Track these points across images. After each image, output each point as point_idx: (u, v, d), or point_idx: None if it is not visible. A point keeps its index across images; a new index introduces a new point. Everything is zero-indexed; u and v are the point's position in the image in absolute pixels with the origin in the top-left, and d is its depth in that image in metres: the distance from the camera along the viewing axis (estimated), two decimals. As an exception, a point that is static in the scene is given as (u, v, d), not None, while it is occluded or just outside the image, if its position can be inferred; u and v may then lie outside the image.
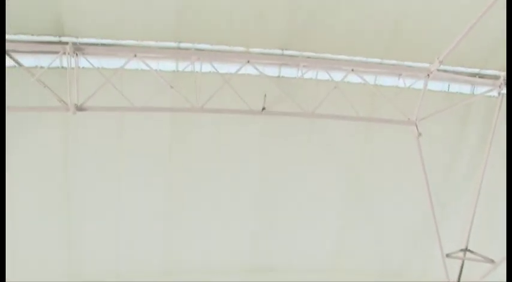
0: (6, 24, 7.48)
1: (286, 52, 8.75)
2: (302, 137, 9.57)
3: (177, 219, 9.85)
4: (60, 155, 8.85)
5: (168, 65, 8.53)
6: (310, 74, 8.85)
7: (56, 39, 7.87)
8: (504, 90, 9.18)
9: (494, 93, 9.38)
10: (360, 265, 10.88)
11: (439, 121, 9.34)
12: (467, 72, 9.39)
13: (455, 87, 9.55)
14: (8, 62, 7.68)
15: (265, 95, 8.66)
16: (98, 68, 8.04)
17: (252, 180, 9.85)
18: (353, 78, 8.92)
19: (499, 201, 10.07)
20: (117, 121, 8.80)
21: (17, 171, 8.60)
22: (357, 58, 8.96)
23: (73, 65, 7.73)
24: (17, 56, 7.65)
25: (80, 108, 7.85)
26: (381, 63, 9.10)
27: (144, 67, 8.18)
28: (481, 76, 9.40)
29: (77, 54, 7.73)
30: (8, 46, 7.53)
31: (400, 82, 9.19)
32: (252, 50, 8.63)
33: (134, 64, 8.20)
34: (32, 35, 7.73)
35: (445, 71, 9.06)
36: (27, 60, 7.81)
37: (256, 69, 8.53)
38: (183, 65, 8.46)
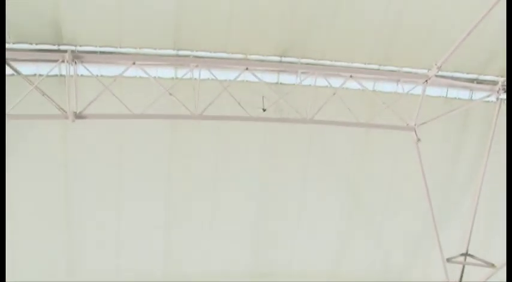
0: (6, 34, 7.54)
1: (284, 59, 8.78)
2: (302, 144, 9.58)
3: (177, 223, 9.84)
4: (61, 159, 8.84)
5: (167, 72, 8.56)
6: (308, 81, 8.86)
7: (55, 47, 7.90)
8: (502, 96, 9.20)
9: (493, 98, 9.41)
10: (361, 271, 10.87)
11: (438, 126, 9.36)
12: (466, 78, 9.42)
13: (453, 93, 9.58)
14: (7, 70, 7.69)
15: (263, 97, 8.69)
16: (97, 75, 8.06)
17: (252, 187, 9.85)
18: (352, 84, 8.95)
19: (499, 205, 10.08)
20: (116, 128, 8.80)
21: (18, 172, 8.59)
22: (356, 64, 9.00)
23: (72, 73, 7.74)
24: (16, 65, 7.67)
25: (78, 116, 7.85)
26: (379, 70, 9.13)
27: (143, 74, 8.20)
28: (479, 82, 9.43)
29: (75, 62, 7.75)
30: (8, 55, 7.55)
31: (399, 88, 9.21)
32: (250, 57, 8.66)
33: (133, 72, 8.23)
34: (31, 43, 7.75)
35: (443, 76, 9.08)
36: (26, 69, 7.83)
37: (255, 76, 8.55)
38: (181, 72, 8.47)
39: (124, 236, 9.69)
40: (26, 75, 7.75)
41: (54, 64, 7.73)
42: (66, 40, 7.87)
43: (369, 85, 9.16)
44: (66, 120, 7.85)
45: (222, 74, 8.54)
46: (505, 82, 8.95)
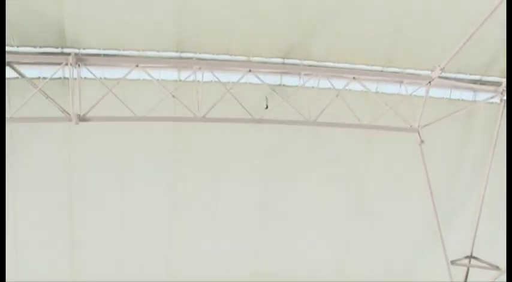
0: (10, 37, 7.58)
1: (287, 61, 8.78)
2: (305, 145, 9.56)
3: (179, 224, 9.83)
4: (65, 159, 8.85)
5: (170, 75, 8.56)
6: (311, 83, 8.86)
7: (59, 50, 7.93)
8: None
9: (496, 99, 9.38)
10: (364, 273, 10.82)
11: (441, 128, 9.34)
12: (469, 79, 9.39)
13: (457, 94, 9.54)
14: (11, 73, 7.73)
15: (267, 97, 8.71)
16: (100, 78, 8.08)
17: (255, 189, 9.83)
18: (355, 86, 8.94)
19: (504, 206, 10.02)
20: (119, 130, 8.82)
21: (21, 172, 8.61)
22: (359, 66, 8.98)
23: (75, 76, 7.78)
24: (20, 68, 7.70)
25: (82, 119, 7.88)
26: (382, 71, 9.11)
27: (146, 77, 8.23)
28: (483, 83, 9.40)
29: (79, 65, 7.78)
30: (12, 58, 7.61)
31: (402, 89, 9.19)
32: (253, 59, 8.67)
33: (136, 74, 8.24)
34: (35, 46, 7.79)
35: (446, 78, 9.06)
36: (30, 72, 7.86)
37: (258, 78, 8.56)
38: (184, 75, 8.49)
39: (127, 238, 9.69)
40: (30, 78, 7.79)
41: (57, 67, 7.77)
42: (69, 43, 7.90)
43: (372, 87, 9.14)
44: (70, 123, 7.88)
45: (225, 76, 8.56)
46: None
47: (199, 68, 8.28)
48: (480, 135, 9.93)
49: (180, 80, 8.54)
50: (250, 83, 8.72)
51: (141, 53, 8.25)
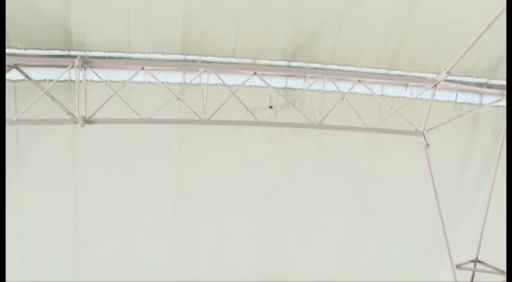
0: (17, 40, 7.63)
1: (292, 64, 8.78)
2: (310, 148, 9.56)
3: (185, 227, 9.83)
4: (69, 159, 8.86)
5: (175, 77, 8.58)
6: (316, 85, 8.86)
7: (65, 53, 7.97)
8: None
9: (503, 103, 9.34)
10: (369, 276, 10.78)
11: (447, 131, 9.30)
12: (475, 82, 9.36)
13: (463, 97, 9.52)
14: (18, 75, 7.78)
15: (270, 96, 8.72)
16: (106, 80, 8.11)
17: (260, 191, 9.83)
18: (360, 89, 8.93)
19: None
20: (124, 133, 8.85)
21: (27, 173, 8.65)
22: (364, 69, 8.97)
23: (81, 78, 7.82)
24: (27, 70, 7.75)
25: (88, 121, 7.90)
26: (387, 74, 9.09)
27: (152, 79, 8.25)
28: (489, 86, 9.37)
29: (85, 68, 7.82)
30: (19, 60, 7.67)
31: (407, 93, 9.17)
32: (258, 61, 8.68)
33: (142, 77, 8.27)
34: (41, 49, 7.83)
35: (452, 81, 9.04)
36: (36, 74, 7.91)
37: (263, 80, 8.57)
38: (190, 77, 8.51)
39: (131, 238, 9.70)
40: (37, 81, 7.83)
41: (64, 69, 7.81)
42: (76, 45, 7.94)
43: (378, 90, 9.12)
44: (76, 126, 7.91)
45: (230, 79, 8.57)
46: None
47: (205, 71, 8.30)
48: (486, 139, 9.89)
49: (186, 83, 8.56)
50: (255, 85, 8.72)
51: (146, 55, 8.28)
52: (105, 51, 8.10)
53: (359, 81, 8.78)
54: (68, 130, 8.46)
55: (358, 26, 8.47)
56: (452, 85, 9.09)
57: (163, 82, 8.36)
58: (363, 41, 8.66)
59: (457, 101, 9.51)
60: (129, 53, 8.21)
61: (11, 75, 7.75)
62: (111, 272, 9.77)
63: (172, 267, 10.03)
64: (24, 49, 7.76)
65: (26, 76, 7.76)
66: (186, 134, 9.03)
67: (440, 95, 9.30)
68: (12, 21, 7.35)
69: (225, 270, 10.29)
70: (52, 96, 7.85)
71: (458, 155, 10.04)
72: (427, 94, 8.98)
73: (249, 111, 8.55)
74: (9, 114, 7.66)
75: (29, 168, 8.62)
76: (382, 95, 9.18)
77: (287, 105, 8.67)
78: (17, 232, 8.80)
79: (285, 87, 8.94)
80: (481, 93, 9.49)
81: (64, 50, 7.95)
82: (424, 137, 8.96)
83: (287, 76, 8.88)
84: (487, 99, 9.46)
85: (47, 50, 7.87)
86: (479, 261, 10.03)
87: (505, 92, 9.10)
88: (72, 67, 7.76)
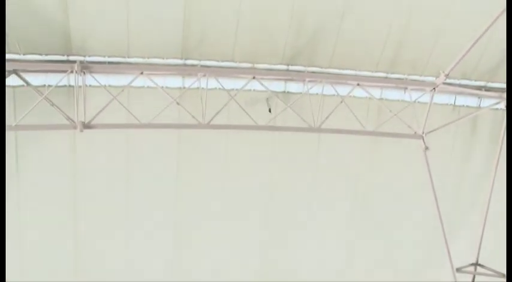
0: (16, 45, 7.63)
1: (291, 68, 8.81)
2: (309, 152, 9.56)
3: (185, 228, 9.82)
4: (69, 162, 8.86)
5: (175, 82, 8.59)
6: (315, 89, 8.87)
7: (64, 58, 7.98)
8: None
9: (501, 105, 9.35)
10: (370, 277, 10.77)
11: (446, 134, 9.32)
12: (474, 85, 9.38)
13: (461, 100, 9.54)
14: (17, 81, 7.78)
15: (267, 99, 8.73)
16: (105, 85, 8.12)
17: (260, 191, 9.82)
18: (359, 92, 8.95)
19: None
20: (124, 135, 8.85)
21: (26, 176, 8.64)
22: (363, 73, 9.00)
23: (80, 83, 7.82)
24: (26, 75, 7.75)
25: (87, 126, 7.90)
26: (386, 78, 9.12)
27: (151, 84, 8.26)
28: (488, 89, 9.39)
29: (84, 73, 7.82)
30: (18, 66, 7.66)
31: (406, 96, 9.19)
32: (257, 65, 8.69)
33: (141, 81, 8.28)
34: (41, 54, 7.84)
35: (451, 84, 9.06)
36: (35, 79, 7.91)
37: (262, 84, 8.58)
38: (189, 82, 8.51)
39: (131, 239, 9.69)
40: (36, 86, 7.83)
41: (63, 75, 7.81)
42: (75, 50, 7.95)
43: (376, 93, 9.15)
44: (75, 131, 7.91)
45: (229, 83, 8.58)
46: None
47: (204, 75, 8.31)
48: (485, 141, 9.91)
49: (185, 87, 8.57)
50: (254, 90, 8.73)
51: (145, 60, 8.29)
52: (104, 56, 8.11)
53: (358, 84, 8.80)
54: (68, 133, 8.45)
55: (357, 29, 8.50)
56: (451, 88, 9.12)
57: (163, 87, 8.37)
58: (362, 45, 8.68)
59: (456, 104, 9.54)
60: (128, 57, 8.22)
61: (10, 81, 7.75)
62: (111, 272, 9.76)
63: (172, 268, 10.02)
64: (24, 54, 7.77)
65: (25, 81, 7.76)
66: (185, 137, 9.03)
67: (439, 98, 9.32)
68: (11, 26, 7.35)
69: (225, 270, 10.27)
70: (51, 101, 7.85)
71: (458, 158, 10.05)
72: (425, 97, 9.00)
73: (248, 115, 8.55)
74: (9, 119, 7.65)
75: (28, 170, 8.61)
76: (381, 99, 9.21)
77: (286, 109, 8.68)
78: (16, 232, 8.78)
79: (284, 91, 8.95)
80: (479, 96, 9.51)
81: (63, 55, 7.96)
82: (423, 140, 8.96)
83: (286, 80, 8.89)
84: (486, 102, 9.48)
85: (46, 55, 7.88)
86: (480, 265, 10.02)
87: (503, 95, 9.12)
88: (72, 72, 7.77)
